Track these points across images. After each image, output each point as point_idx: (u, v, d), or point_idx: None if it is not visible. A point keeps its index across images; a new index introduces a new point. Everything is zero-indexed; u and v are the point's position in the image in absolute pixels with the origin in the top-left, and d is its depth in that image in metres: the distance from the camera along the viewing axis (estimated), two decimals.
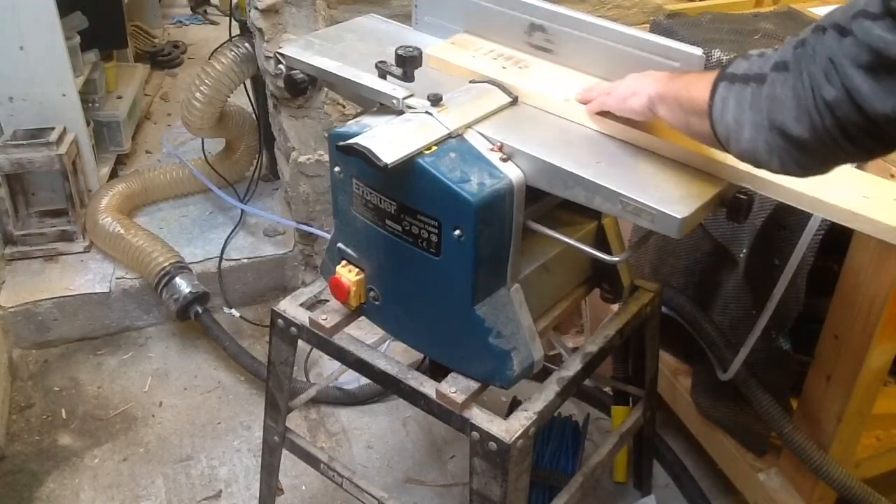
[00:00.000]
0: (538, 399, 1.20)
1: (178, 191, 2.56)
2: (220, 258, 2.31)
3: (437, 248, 1.10)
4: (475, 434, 1.15)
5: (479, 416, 1.16)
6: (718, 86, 0.86)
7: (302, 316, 1.34)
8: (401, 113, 1.13)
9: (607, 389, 1.86)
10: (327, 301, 1.35)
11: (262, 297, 2.38)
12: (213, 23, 4.17)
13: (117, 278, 2.24)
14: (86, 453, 1.90)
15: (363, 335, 1.35)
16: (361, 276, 1.24)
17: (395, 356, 1.29)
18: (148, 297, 2.25)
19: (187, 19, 4.23)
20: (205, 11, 4.27)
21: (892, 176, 1.19)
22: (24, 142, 2.23)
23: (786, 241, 1.34)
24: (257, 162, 2.56)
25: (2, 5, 2.17)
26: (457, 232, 1.06)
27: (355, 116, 1.21)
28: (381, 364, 1.25)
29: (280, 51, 1.31)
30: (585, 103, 1.13)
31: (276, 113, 2.15)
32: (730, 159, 1.01)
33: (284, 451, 1.52)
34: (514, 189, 1.07)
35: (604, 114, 1.10)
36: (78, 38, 2.46)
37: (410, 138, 1.06)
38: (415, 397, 1.22)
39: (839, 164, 0.84)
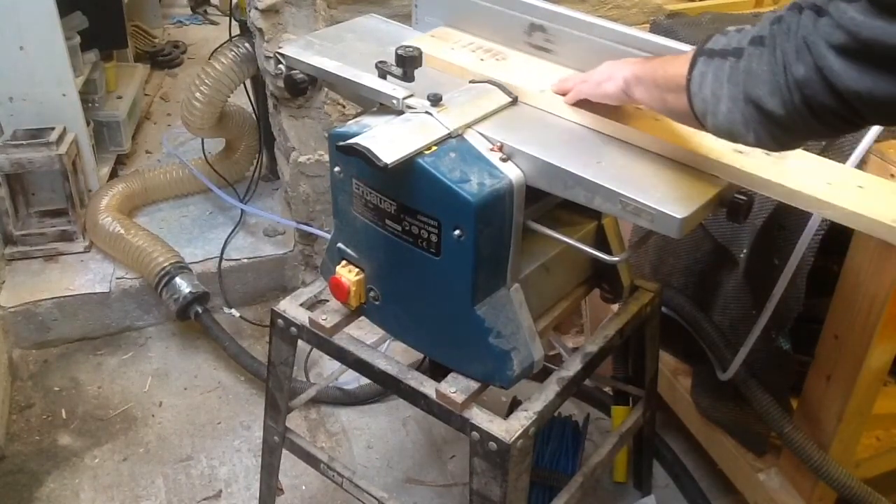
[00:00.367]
0: (538, 399, 1.20)
1: (178, 191, 2.56)
2: (220, 258, 2.31)
3: (437, 248, 1.10)
4: (475, 434, 1.15)
5: (479, 416, 1.16)
6: (697, 61, 0.87)
7: (302, 316, 1.34)
8: (401, 113, 1.13)
9: (607, 389, 1.86)
10: (327, 301, 1.35)
11: (262, 297, 2.39)
12: (213, 23, 4.17)
13: (117, 278, 2.25)
14: (86, 453, 1.90)
15: (363, 335, 1.35)
16: (361, 276, 1.24)
17: (395, 356, 1.29)
18: (148, 297, 2.25)
19: (187, 19, 4.23)
20: (205, 11, 4.27)
21: (892, 176, 1.19)
22: (24, 142, 2.23)
23: (786, 241, 1.34)
24: (257, 162, 2.56)
25: (2, 5, 2.17)
26: (457, 232, 1.06)
27: (355, 116, 1.21)
28: (381, 364, 1.25)
29: (280, 51, 1.31)
30: (562, 94, 1.14)
31: (276, 113, 2.15)
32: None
33: (284, 451, 1.52)
34: (514, 189, 1.07)
35: (581, 103, 1.11)
36: (78, 38, 2.46)
37: (410, 138, 1.06)
38: (415, 397, 1.22)
39: (811, 140, 0.87)
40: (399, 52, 1.11)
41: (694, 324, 1.59)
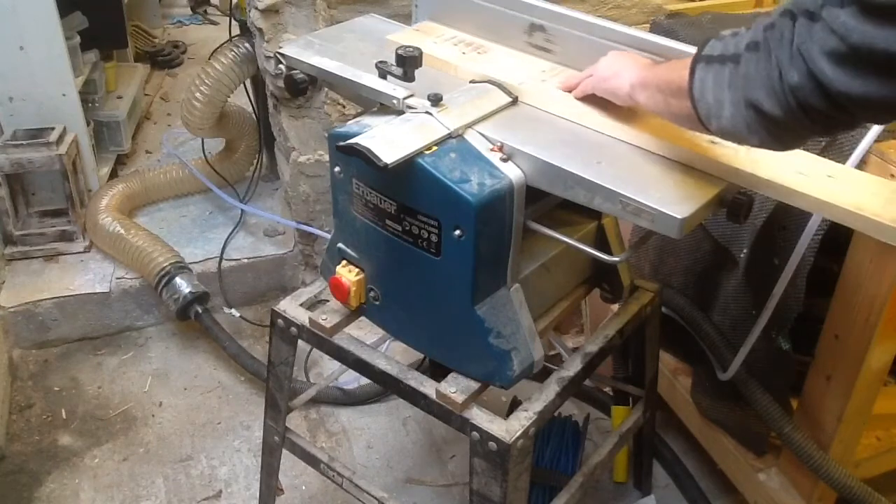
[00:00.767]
0: (538, 399, 1.20)
1: (178, 191, 2.56)
2: (220, 258, 2.31)
3: (438, 249, 1.10)
4: (475, 434, 1.15)
5: (479, 416, 1.16)
6: (696, 67, 0.89)
7: (302, 316, 1.34)
8: (401, 113, 1.13)
9: (607, 389, 1.86)
10: (327, 301, 1.35)
11: (262, 297, 2.39)
12: (213, 23, 4.17)
13: (117, 278, 2.25)
14: (86, 453, 1.90)
15: (363, 335, 1.36)
16: (361, 276, 1.24)
17: (395, 356, 1.29)
18: (148, 297, 2.25)
19: (187, 19, 4.24)
20: (205, 11, 4.28)
21: (892, 176, 1.19)
22: (24, 142, 2.23)
23: (786, 241, 1.34)
24: (257, 162, 2.56)
25: (2, 5, 2.18)
26: (457, 232, 1.06)
27: (355, 116, 1.21)
28: (381, 364, 1.25)
29: (280, 51, 1.31)
30: (568, 91, 1.15)
31: (276, 113, 2.15)
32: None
33: (284, 451, 1.52)
34: (514, 189, 1.07)
35: (588, 97, 1.13)
36: (78, 38, 2.46)
37: (410, 138, 1.06)
38: (415, 397, 1.22)
39: (811, 138, 0.89)
40: (399, 52, 1.11)
41: (694, 324, 1.59)
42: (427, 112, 1.11)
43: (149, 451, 1.91)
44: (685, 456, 1.80)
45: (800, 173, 0.99)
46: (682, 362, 1.78)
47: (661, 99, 0.97)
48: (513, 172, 1.07)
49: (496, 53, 1.30)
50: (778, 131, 0.83)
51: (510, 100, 1.18)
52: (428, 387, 1.20)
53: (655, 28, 1.61)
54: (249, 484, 1.82)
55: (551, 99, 1.17)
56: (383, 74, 1.16)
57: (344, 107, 2.08)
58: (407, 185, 1.08)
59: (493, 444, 1.13)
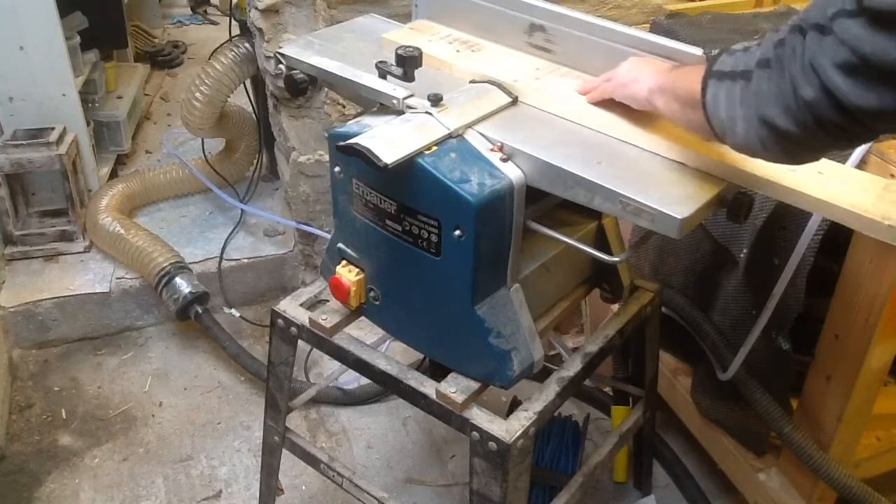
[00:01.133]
0: (538, 399, 1.20)
1: (178, 191, 2.56)
2: (220, 258, 2.31)
3: (438, 249, 1.10)
4: (475, 434, 1.15)
5: (479, 416, 1.16)
6: (708, 83, 0.89)
7: (302, 316, 1.34)
8: (401, 113, 1.13)
9: (607, 389, 1.86)
10: (327, 301, 1.35)
11: (262, 297, 2.39)
12: (213, 23, 4.17)
13: (117, 278, 2.25)
14: (86, 453, 1.90)
15: (363, 335, 1.36)
16: (361, 276, 1.24)
17: (395, 356, 1.29)
18: (148, 297, 2.25)
19: (187, 19, 4.24)
20: (205, 11, 4.28)
21: (893, 175, 1.19)
22: (24, 142, 2.23)
23: (786, 241, 1.34)
24: (257, 162, 2.56)
25: (2, 5, 2.18)
26: (457, 232, 1.06)
27: (355, 116, 1.21)
28: (381, 364, 1.25)
29: (280, 51, 1.31)
30: (585, 94, 1.15)
31: (276, 113, 2.15)
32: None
33: (284, 451, 1.52)
34: (514, 189, 1.07)
35: (604, 102, 1.12)
36: (78, 38, 2.46)
37: (410, 138, 1.06)
38: (415, 397, 1.22)
39: (826, 153, 0.89)
40: (399, 52, 1.11)
41: (694, 324, 1.59)
42: (427, 112, 1.11)
43: (149, 451, 1.91)
44: (685, 456, 1.80)
45: (792, 170, 0.99)
46: (682, 362, 1.78)
47: (678, 108, 0.97)
48: (513, 172, 1.07)
49: (490, 51, 1.31)
50: (792, 147, 0.82)
51: (510, 100, 1.18)
52: (428, 387, 1.20)
53: (655, 28, 1.61)
54: (249, 484, 1.82)
55: (551, 99, 1.17)
56: (383, 74, 1.16)
57: (344, 107, 2.08)
58: (407, 185, 1.08)
59: (493, 444, 1.13)
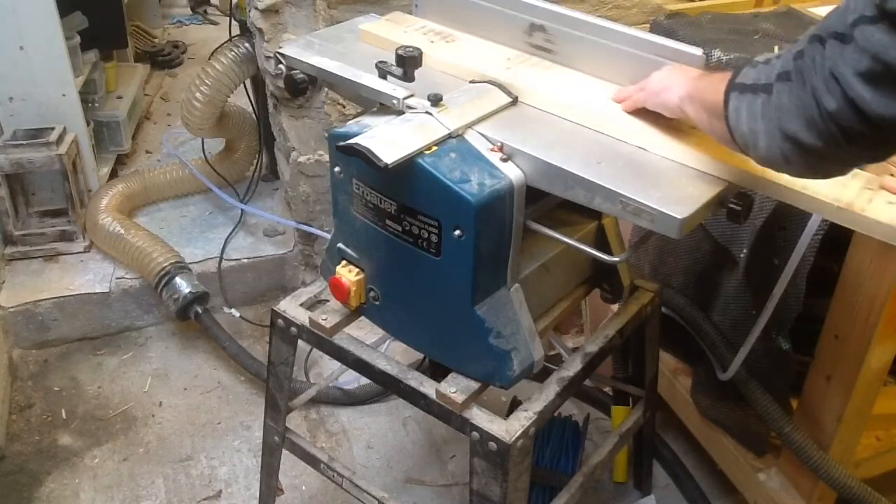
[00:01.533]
0: (538, 399, 1.20)
1: (178, 191, 2.56)
2: (220, 258, 2.31)
3: (438, 249, 1.10)
4: (475, 434, 1.15)
5: (479, 416, 1.16)
6: (730, 95, 0.87)
7: (302, 316, 1.34)
8: (401, 113, 1.13)
9: (607, 389, 1.86)
10: (327, 301, 1.35)
11: (262, 297, 2.39)
12: (213, 23, 4.17)
13: (117, 278, 2.25)
14: (86, 453, 1.90)
15: (363, 335, 1.36)
16: (361, 276, 1.24)
17: (395, 356, 1.29)
18: (148, 297, 2.25)
19: (187, 19, 4.23)
20: (205, 11, 4.27)
21: (893, 175, 1.19)
22: (24, 142, 2.23)
23: (786, 241, 1.34)
24: (257, 162, 2.56)
25: (2, 5, 2.17)
26: (457, 232, 1.06)
27: (355, 116, 1.21)
28: (381, 364, 1.25)
29: (280, 51, 1.31)
30: (619, 102, 1.14)
31: (276, 113, 2.15)
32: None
33: (284, 451, 1.52)
34: (514, 189, 1.07)
35: (638, 111, 1.11)
36: (78, 38, 2.46)
37: (410, 138, 1.06)
38: (415, 397, 1.22)
39: (854, 167, 0.86)
40: (399, 52, 1.11)
41: (694, 324, 1.59)
42: (427, 112, 1.11)
43: (149, 451, 1.91)
44: (685, 456, 1.80)
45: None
46: (682, 362, 1.78)
47: (706, 118, 0.96)
48: (513, 172, 1.07)
49: (464, 42, 1.33)
50: (816, 161, 0.81)
51: (510, 100, 1.18)
52: (428, 387, 1.20)
53: (655, 28, 1.61)
54: (249, 484, 1.82)
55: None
56: (383, 74, 1.16)
57: (344, 107, 2.08)
58: (407, 185, 1.08)
59: (493, 444, 1.13)
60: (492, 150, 1.09)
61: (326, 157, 2.04)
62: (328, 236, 1.43)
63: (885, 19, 0.67)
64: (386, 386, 1.26)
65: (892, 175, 1.18)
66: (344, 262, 1.26)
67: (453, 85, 1.20)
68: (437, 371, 1.26)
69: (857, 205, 0.95)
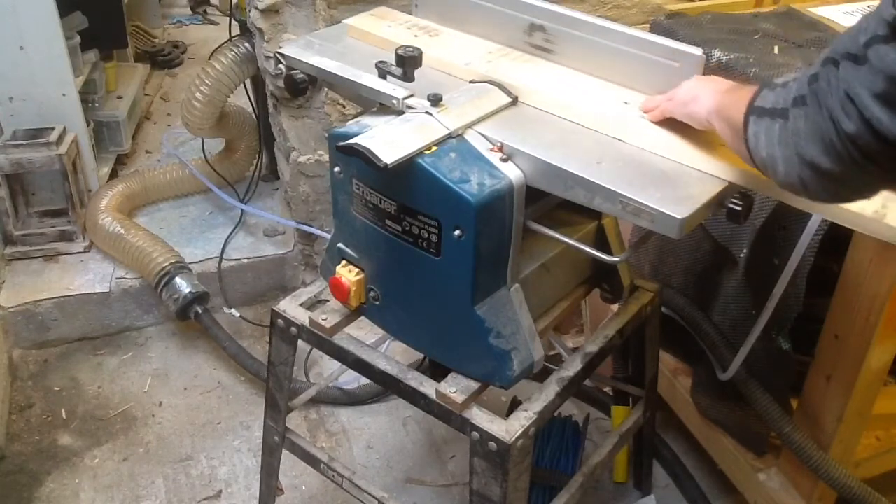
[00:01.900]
0: (538, 399, 1.20)
1: (178, 191, 2.56)
2: (220, 258, 2.31)
3: (437, 249, 1.10)
4: (475, 434, 1.15)
5: (479, 416, 1.16)
6: (749, 119, 0.86)
7: (302, 316, 1.34)
8: (401, 113, 1.13)
9: (607, 389, 1.86)
10: (327, 301, 1.35)
11: (262, 297, 2.39)
12: (213, 23, 4.17)
13: (117, 278, 2.25)
14: (86, 453, 1.90)
15: (363, 335, 1.36)
16: (361, 276, 1.24)
17: (395, 356, 1.29)
18: (148, 297, 2.25)
19: (187, 19, 4.23)
20: (205, 11, 4.27)
21: None
22: (24, 142, 2.23)
23: (786, 241, 1.34)
24: (257, 162, 2.56)
25: (2, 5, 2.17)
26: (457, 232, 1.06)
27: (355, 116, 1.21)
28: (381, 364, 1.25)
29: (280, 51, 1.31)
30: (647, 112, 1.12)
31: (276, 113, 2.15)
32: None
33: (284, 451, 1.52)
34: (514, 189, 1.07)
35: (665, 121, 1.09)
36: (78, 38, 2.46)
37: (410, 138, 1.06)
38: (415, 397, 1.22)
39: (875, 191, 0.83)
40: (399, 52, 1.11)
41: (694, 324, 1.59)
42: (427, 112, 1.11)
43: (149, 451, 1.91)
44: (685, 456, 1.80)
45: None
46: (682, 362, 1.78)
47: (730, 136, 0.94)
48: (513, 172, 1.07)
49: (447, 36, 1.34)
50: (836, 186, 0.79)
51: (510, 100, 1.18)
52: (428, 387, 1.20)
53: (655, 28, 1.61)
54: (249, 484, 1.82)
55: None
56: (383, 74, 1.16)
57: (344, 107, 2.08)
58: (407, 185, 1.08)
59: (493, 444, 1.13)
60: (492, 150, 1.09)
61: (326, 157, 2.04)
62: (328, 236, 1.43)
63: None
64: (386, 386, 1.26)
65: None
66: (344, 262, 1.26)
67: (453, 85, 1.20)
68: (437, 371, 1.26)
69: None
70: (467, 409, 1.16)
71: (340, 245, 1.26)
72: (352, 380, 2.01)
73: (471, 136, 1.11)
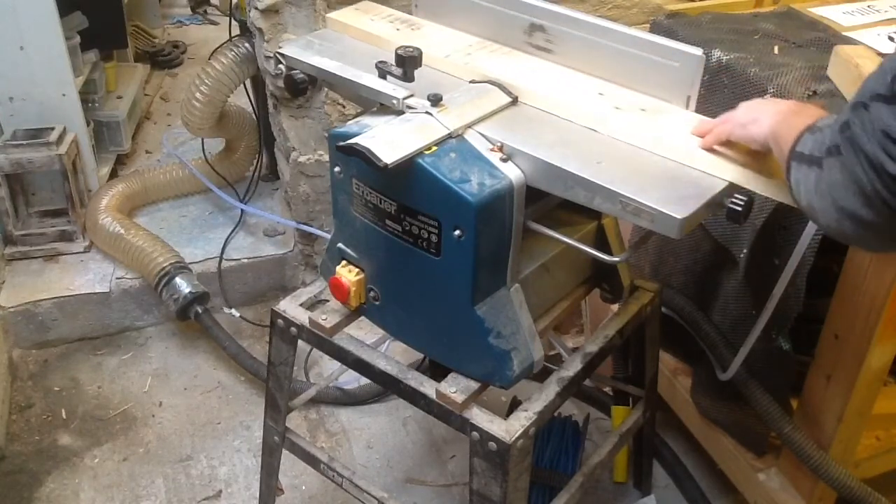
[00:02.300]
0: (538, 399, 1.20)
1: (178, 191, 2.56)
2: (220, 258, 2.31)
3: (437, 249, 1.10)
4: (475, 434, 1.15)
5: (479, 416, 1.16)
6: (791, 165, 0.85)
7: (302, 316, 1.34)
8: (401, 113, 1.13)
9: (607, 389, 1.86)
10: (327, 301, 1.35)
11: (262, 297, 2.39)
12: (213, 23, 4.17)
13: (117, 278, 2.24)
14: (86, 453, 1.90)
15: (363, 335, 1.36)
16: (361, 276, 1.24)
17: (395, 356, 1.29)
18: (148, 297, 2.25)
19: (187, 19, 4.23)
20: (205, 11, 4.27)
21: None
22: (24, 142, 2.23)
23: (786, 241, 1.34)
24: (257, 162, 2.56)
25: (2, 5, 2.17)
26: (457, 232, 1.06)
27: (355, 116, 1.21)
28: (381, 364, 1.25)
29: (280, 51, 1.31)
30: (701, 136, 1.07)
31: (276, 113, 2.15)
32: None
33: (284, 451, 1.52)
34: (514, 189, 1.07)
35: (724, 144, 1.06)
36: (78, 38, 2.46)
37: (410, 138, 1.06)
38: (415, 397, 1.22)
39: None
40: (399, 52, 1.11)
41: (694, 324, 1.59)
42: (427, 112, 1.11)
43: (149, 451, 1.91)
44: (685, 456, 1.80)
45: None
46: (682, 362, 1.78)
47: (784, 165, 0.91)
48: (513, 172, 1.07)
49: (428, 30, 1.36)
50: (878, 239, 0.77)
51: (510, 100, 1.18)
52: (428, 387, 1.20)
53: (655, 28, 1.61)
54: (249, 484, 1.82)
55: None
56: (383, 74, 1.16)
57: (344, 107, 2.08)
58: (407, 185, 1.08)
59: (493, 444, 1.13)
60: (492, 150, 1.09)
61: (326, 157, 2.04)
62: (328, 236, 1.43)
63: None
64: (386, 386, 1.26)
65: None
66: (344, 262, 1.26)
67: (453, 85, 1.20)
68: (437, 371, 1.26)
69: None
70: (467, 409, 1.16)
71: (340, 245, 1.26)
72: (352, 380, 2.01)
73: (471, 136, 1.11)
